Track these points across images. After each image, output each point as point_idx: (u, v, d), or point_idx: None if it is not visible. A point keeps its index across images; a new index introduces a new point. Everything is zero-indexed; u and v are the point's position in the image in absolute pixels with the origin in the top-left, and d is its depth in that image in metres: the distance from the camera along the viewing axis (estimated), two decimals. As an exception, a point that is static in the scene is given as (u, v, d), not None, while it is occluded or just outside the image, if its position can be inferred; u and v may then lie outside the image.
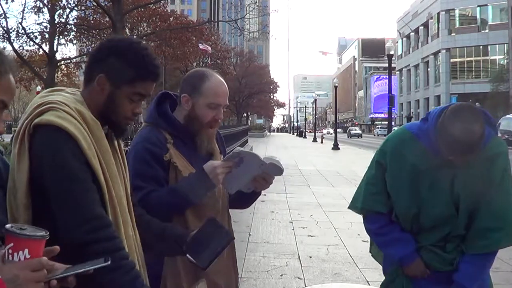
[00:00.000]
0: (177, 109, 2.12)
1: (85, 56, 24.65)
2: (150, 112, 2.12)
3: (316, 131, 59.83)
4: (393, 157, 2.25)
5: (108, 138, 1.66)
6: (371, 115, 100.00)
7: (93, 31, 24.98)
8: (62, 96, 1.55)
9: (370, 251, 2.61)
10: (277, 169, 2.00)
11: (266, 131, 71.53)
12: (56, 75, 25.79)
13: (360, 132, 70.81)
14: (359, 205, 2.37)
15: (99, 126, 1.54)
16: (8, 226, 1.12)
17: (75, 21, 25.86)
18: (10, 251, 1.10)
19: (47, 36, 24.77)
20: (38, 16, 33.05)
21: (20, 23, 24.10)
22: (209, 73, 2.12)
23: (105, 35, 22.57)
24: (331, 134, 78.85)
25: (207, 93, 2.05)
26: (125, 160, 1.73)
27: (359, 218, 2.49)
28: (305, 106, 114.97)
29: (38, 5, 24.37)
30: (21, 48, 24.24)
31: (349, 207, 2.48)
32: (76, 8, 25.09)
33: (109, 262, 1.23)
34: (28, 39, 24.32)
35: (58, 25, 24.62)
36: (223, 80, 2.12)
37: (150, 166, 1.98)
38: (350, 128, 76.60)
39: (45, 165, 1.42)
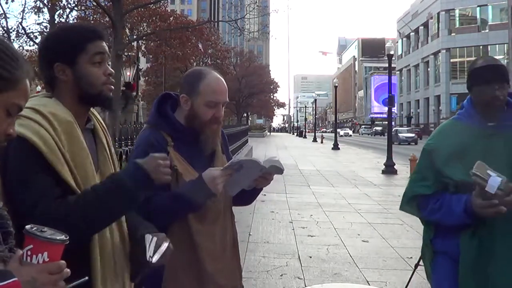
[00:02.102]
0: (178, 110, 2.09)
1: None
2: (151, 114, 2.09)
3: (317, 131, 59.62)
4: (439, 137, 2.45)
5: (95, 135, 1.66)
6: (371, 115, 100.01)
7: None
8: (34, 101, 1.54)
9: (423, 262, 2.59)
10: (277, 170, 2.03)
11: (266, 131, 71.44)
12: (56, 75, 25.79)
13: (413, 135, 42.68)
14: (409, 194, 2.45)
15: (75, 125, 1.54)
16: (28, 227, 1.10)
17: (75, 21, 25.84)
18: (29, 252, 1.08)
19: (47, 36, 24.78)
20: (38, 16, 33.15)
21: (20, 23, 24.17)
22: (206, 71, 2.09)
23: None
24: (350, 135, 72.93)
25: (204, 92, 2.01)
26: (114, 156, 1.74)
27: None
28: (305, 106, 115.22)
29: (38, 5, 24.41)
30: (21, 48, 24.24)
31: (400, 208, 2.56)
32: (76, 8, 25.09)
33: (86, 278, 1.20)
34: (28, 39, 24.36)
35: (58, 25, 24.63)
36: (221, 78, 2.08)
37: None
38: (397, 129, 44.56)
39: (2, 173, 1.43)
